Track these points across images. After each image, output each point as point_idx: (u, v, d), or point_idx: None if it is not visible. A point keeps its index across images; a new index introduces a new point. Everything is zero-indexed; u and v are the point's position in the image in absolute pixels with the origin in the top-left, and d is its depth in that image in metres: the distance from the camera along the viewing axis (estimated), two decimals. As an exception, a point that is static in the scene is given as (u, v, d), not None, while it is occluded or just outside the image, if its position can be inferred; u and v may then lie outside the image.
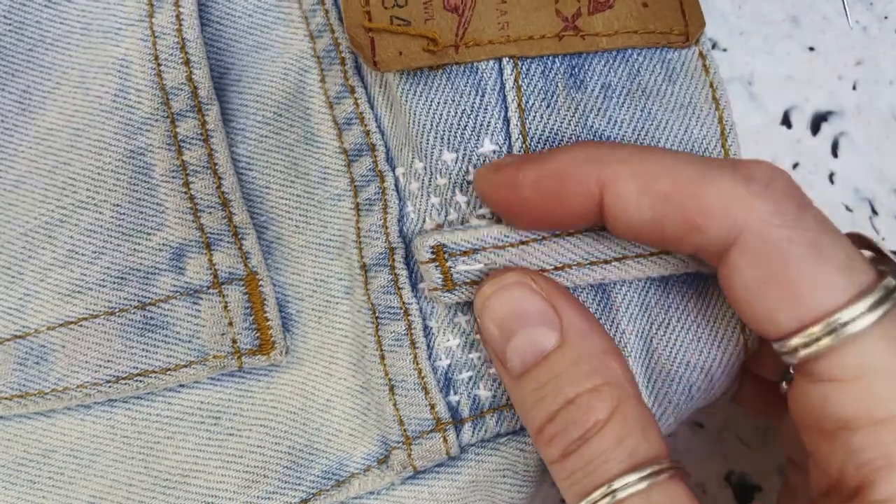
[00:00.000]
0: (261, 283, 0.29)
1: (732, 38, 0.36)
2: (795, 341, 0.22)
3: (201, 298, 0.29)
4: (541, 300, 0.25)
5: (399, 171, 0.29)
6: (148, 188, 0.29)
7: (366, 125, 0.29)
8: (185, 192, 0.29)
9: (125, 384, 0.29)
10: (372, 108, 0.30)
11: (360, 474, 0.29)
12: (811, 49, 0.36)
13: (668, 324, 0.28)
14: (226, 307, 0.29)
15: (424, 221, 0.28)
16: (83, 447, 0.30)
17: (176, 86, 0.29)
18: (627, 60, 0.27)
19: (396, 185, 0.29)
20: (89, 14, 0.30)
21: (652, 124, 0.27)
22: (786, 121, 0.36)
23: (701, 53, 0.28)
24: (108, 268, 0.29)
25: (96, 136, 0.29)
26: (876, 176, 0.35)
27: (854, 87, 0.36)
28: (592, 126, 0.27)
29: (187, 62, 0.29)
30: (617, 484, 0.23)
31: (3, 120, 0.30)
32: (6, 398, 0.29)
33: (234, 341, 0.29)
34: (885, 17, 0.36)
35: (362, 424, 0.29)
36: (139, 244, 0.29)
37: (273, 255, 0.30)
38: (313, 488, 0.29)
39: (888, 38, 0.36)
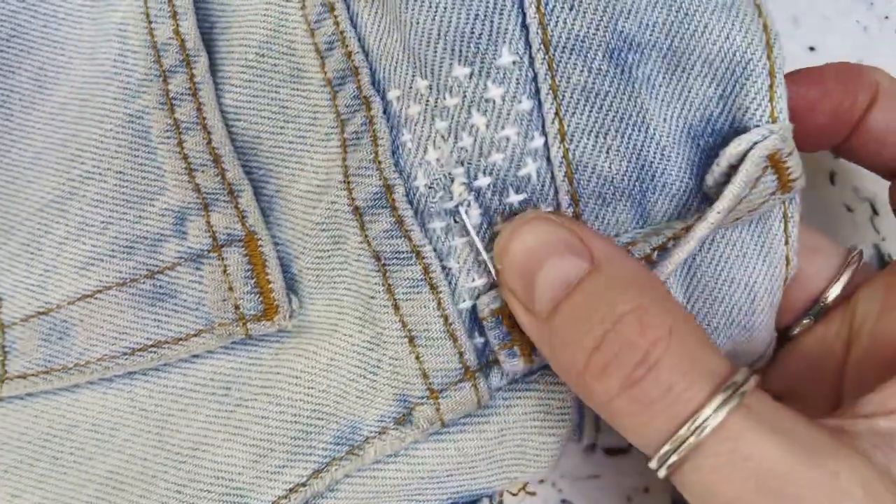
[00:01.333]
0: (260, 242, 0.28)
1: (734, 37, 0.37)
2: None
3: (203, 263, 0.28)
4: (564, 230, 0.23)
5: (392, 94, 0.26)
6: (148, 152, 0.28)
7: (347, 46, 0.27)
8: (180, 152, 0.28)
9: (140, 356, 0.28)
10: (354, 26, 0.27)
11: (376, 438, 0.27)
12: (812, 49, 0.36)
13: (713, 239, 0.26)
14: (225, 271, 0.28)
15: (426, 151, 0.26)
16: (104, 421, 0.29)
17: (165, 41, 0.28)
18: None
19: (387, 112, 0.26)
20: None
21: (689, 29, 0.24)
22: (786, 119, 0.37)
23: None
24: (115, 238, 0.29)
25: (99, 104, 0.29)
26: (876, 176, 0.35)
27: (853, 87, 0.36)
28: (622, 31, 0.24)
29: (174, 15, 0.28)
30: (711, 405, 0.21)
31: (21, 98, 0.30)
32: (33, 374, 0.29)
33: (236, 307, 0.28)
34: (886, 18, 0.36)
35: (371, 384, 0.27)
36: (144, 211, 0.28)
37: (275, 210, 0.28)
38: (325, 457, 0.27)
39: (888, 39, 0.36)
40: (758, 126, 0.24)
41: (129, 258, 0.28)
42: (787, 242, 0.26)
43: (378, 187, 0.26)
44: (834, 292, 0.28)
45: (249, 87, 0.28)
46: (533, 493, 0.34)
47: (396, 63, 0.26)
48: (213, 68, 0.29)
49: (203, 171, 0.28)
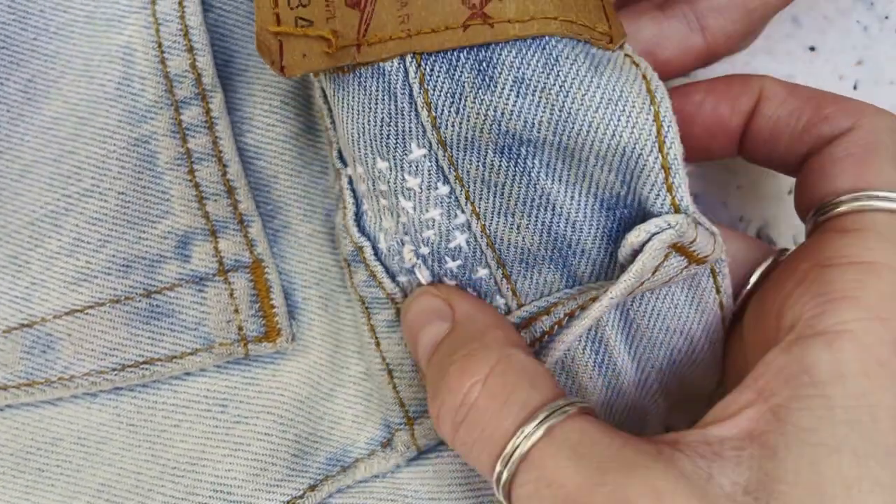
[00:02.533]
0: (266, 270, 0.30)
1: (734, 38, 0.36)
2: (843, 199, 0.26)
3: (207, 286, 0.29)
4: (436, 299, 0.27)
5: (349, 170, 0.28)
6: (153, 176, 0.29)
7: (324, 119, 0.29)
8: (190, 180, 0.29)
9: (131, 372, 0.29)
10: (326, 102, 0.28)
11: (365, 458, 0.29)
12: (812, 49, 0.36)
13: (643, 296, 0.27)
14: (231, 294, 0.29)
15: (381, 220, 0.28)
16: (90, 435, 0.30)
17: (180, 73, 0.29)
18: (544, 49, 0.24)
19: (351, 184, 0.28)
20: (93, 2, 0.30)
21: (573, 127, 0.24)
22: (786, 120, 0.36)
23: (628, 55, 0.25)
24: (113, 256, 0.29)
25: (101, 124, 0.29)
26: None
27: (855, 88, 0.36)
28: (508, 130, 0.24)
29: (191, 49, 0.29)
30: (517, 438, 0.23)
31: (9, 109, 0.30)
32: (14, 386, 0.30)
33: (240, 328, 0.29)
34: (886, 17, 0.36)
35: (365, 410, 0.30)
36: (144, 232, 0.29)
37: (279, 243, 0.30)
38: (319, 475, 0.29)
39: (889, 38, 0.36)
40: (660, 213, 0.24)
41: (126, 277, 0.29)
42: (717, 291, 0.27)
43: (352, 246, 0.29)
44: (741, 298, 0.28)
45: (272, 130, 0.30)
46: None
47: (343, 146, 0.27)
48: (232, 106, 0.30)
49: (215, 201, 0.29)
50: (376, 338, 0.29)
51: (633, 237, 0.24)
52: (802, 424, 0.21)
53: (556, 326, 0.27)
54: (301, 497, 0.29)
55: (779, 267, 0.27)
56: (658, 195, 0.24)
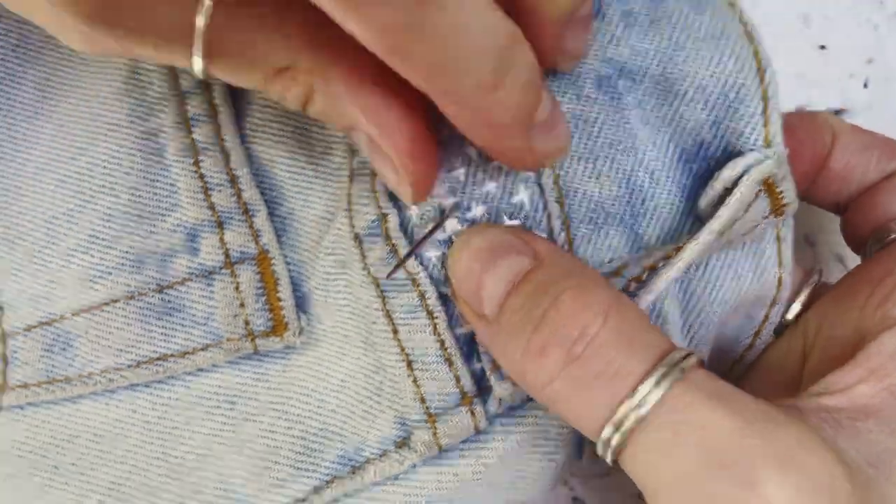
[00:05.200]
0: (273, 261, 0.29)
1: (744, 36, 0.36)
2: None
3: (214, 279, 0.29)
4: (510, 233, 0.24)
5: None
6: (161, 169, 0.29)
7: None
8: (196, 171, 0.29)
9: (146, 368, 0.29)
10: None
11: (377, 459, 0.27)
12: (822, 47, 0.36)
13: (707, 262, 0.26)
14: (237, 288, 0.28)
15: None
16: (106, 432, 0.29)
17: None
18: None
19: None
20: None
21: (680, 55, 0.25)
22: (796, 118, 0.36)
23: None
24: (126, 252, 0.29)
25: (113, 119, 0.29)
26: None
27: (865, 85, 0.36)
28: (612, 58, 0.25)
29: None
30: (650, 380, 0.21)
31: (24, 108, 0.30)
32: (34, 384, 0.29)
33: (246, 323, 0.29)
34: (897, 16, 0.36)
35: (376, 405, 0.28)
36: (155, 226, 0.29)
37: (287, 231, 0.29)
38: (327, 475, 0.28)
39: (899, 37, 0.36)
40: (752, 150, 0.24)
41: (139, 272, 0.29)
42: (780, 264, 0.27)
43: (374, 216, 0.27)
44: (794, 310, 0.29)
45: (266, 111, 0.29)
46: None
47: None
48: (232, 91, 0.29)
49: (220, 191, 0.29)
50: (394, 325, 0.27)
51: (729, 171, 0.24)
52: None
53: (634, 283, 0.25)
54: (304, 500, 0.28)
55: (859, 270, 0.28)
56: (753, 129, 0.24)
